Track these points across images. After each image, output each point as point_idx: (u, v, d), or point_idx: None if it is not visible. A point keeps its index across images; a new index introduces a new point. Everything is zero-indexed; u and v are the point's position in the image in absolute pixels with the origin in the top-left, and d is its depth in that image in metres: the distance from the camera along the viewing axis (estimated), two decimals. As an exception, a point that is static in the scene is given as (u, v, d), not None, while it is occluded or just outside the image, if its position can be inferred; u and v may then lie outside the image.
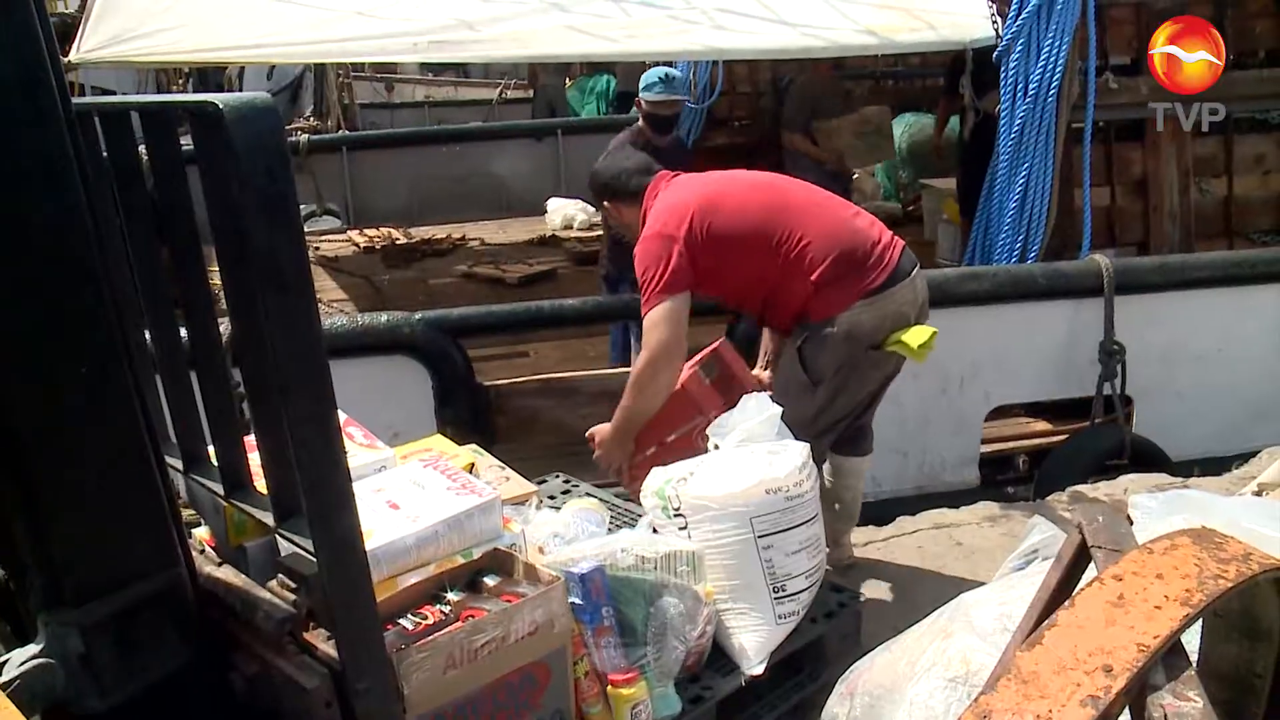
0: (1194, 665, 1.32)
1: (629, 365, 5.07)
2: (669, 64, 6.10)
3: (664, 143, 5.53)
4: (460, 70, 18.00)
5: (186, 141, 1.74)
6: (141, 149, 1.82)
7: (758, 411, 2.89)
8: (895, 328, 3.34)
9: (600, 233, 8.66)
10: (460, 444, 2.97)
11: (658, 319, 3.26)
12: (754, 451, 2.75)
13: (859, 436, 3.80)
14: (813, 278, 3.30)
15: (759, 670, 2.55)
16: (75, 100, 1.57)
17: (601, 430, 3.50)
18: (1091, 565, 1.57)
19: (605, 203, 3.76)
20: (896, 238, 3.49)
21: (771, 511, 2.61)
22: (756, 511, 2.60)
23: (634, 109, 5.53)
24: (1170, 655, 1.23)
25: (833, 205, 3.49)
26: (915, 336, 3.33)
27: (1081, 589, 1.37)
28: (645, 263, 3.31)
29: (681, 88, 5.54)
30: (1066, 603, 1.30)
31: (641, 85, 5.56)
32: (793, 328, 3.45)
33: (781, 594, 2.63)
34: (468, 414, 4.52)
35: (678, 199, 3.41)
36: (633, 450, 3.45)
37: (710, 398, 3.37)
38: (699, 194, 3.40)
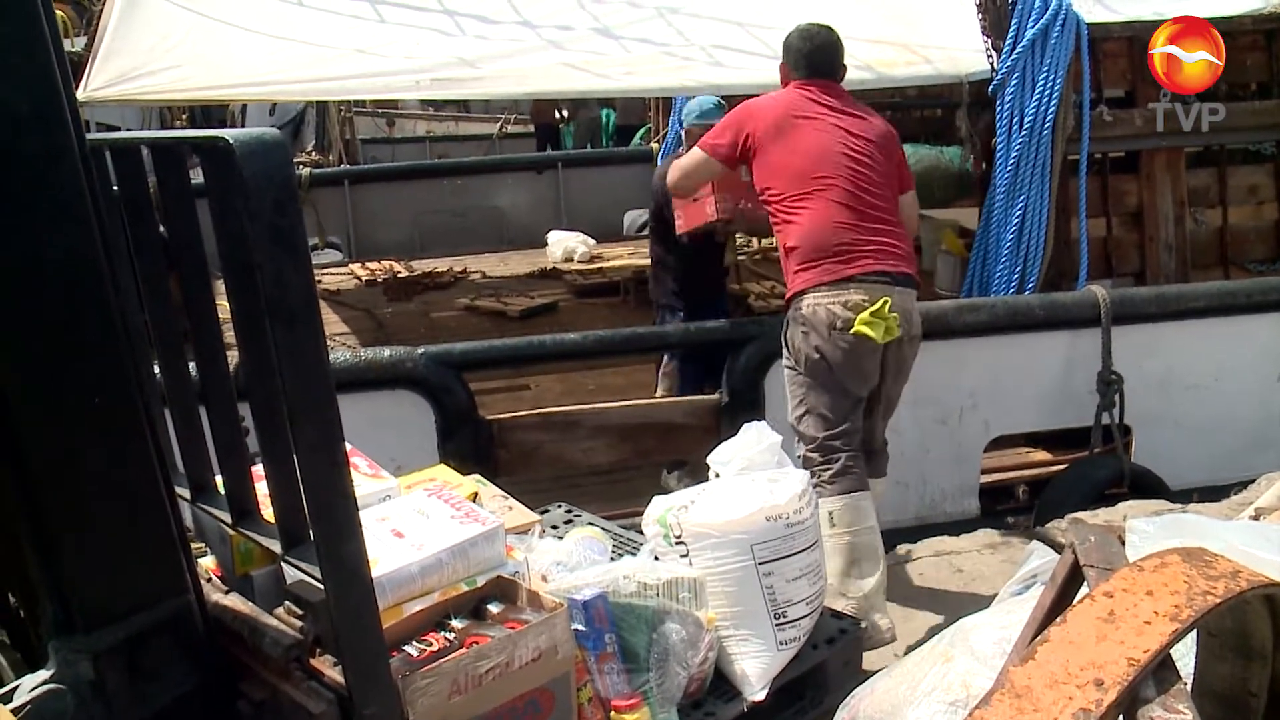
0: (1189, 684, 1.34)
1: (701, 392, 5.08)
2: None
3: None
4: (461, 106, 18.13)
5: (196, 175, 1.78)
6: (152, 182, 1.87)
7: (758, 440, 2.91)
8: (856, 313, 3.63)
9: (599, 265, 8.74)
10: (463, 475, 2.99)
11: (690, 156, 4.18)
12: (754, 479, 2.77)
13: (870, 456, 3.82)
14: (788, 244, 3.77)
15: (761, 696, 2.55)
16: (87, 136, 1.62)
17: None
18: (1085, 584, 1.60)
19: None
20: (903, 256, 3.79)
21: (772, 538, 2.62)
22: (757, 538, 2.62)
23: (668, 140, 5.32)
24: (1160, 669, 1.25)
25: (853, 199, 3.74)
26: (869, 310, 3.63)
27: (1073, 606, 1.39)
28: (718, 126, 4.09)
29: None
30: (1059, 619, 1.32)
31: (697, 111, 5.14)
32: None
33: (783, 620, 2.64)
34: (470, 447, 4.53)
35: (766, 100, 4.05)
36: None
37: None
38: (781, 107, 3.93)
